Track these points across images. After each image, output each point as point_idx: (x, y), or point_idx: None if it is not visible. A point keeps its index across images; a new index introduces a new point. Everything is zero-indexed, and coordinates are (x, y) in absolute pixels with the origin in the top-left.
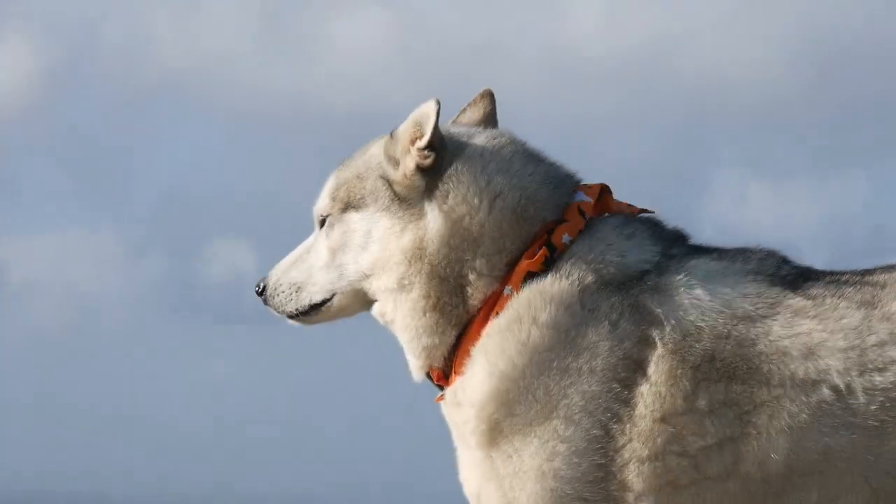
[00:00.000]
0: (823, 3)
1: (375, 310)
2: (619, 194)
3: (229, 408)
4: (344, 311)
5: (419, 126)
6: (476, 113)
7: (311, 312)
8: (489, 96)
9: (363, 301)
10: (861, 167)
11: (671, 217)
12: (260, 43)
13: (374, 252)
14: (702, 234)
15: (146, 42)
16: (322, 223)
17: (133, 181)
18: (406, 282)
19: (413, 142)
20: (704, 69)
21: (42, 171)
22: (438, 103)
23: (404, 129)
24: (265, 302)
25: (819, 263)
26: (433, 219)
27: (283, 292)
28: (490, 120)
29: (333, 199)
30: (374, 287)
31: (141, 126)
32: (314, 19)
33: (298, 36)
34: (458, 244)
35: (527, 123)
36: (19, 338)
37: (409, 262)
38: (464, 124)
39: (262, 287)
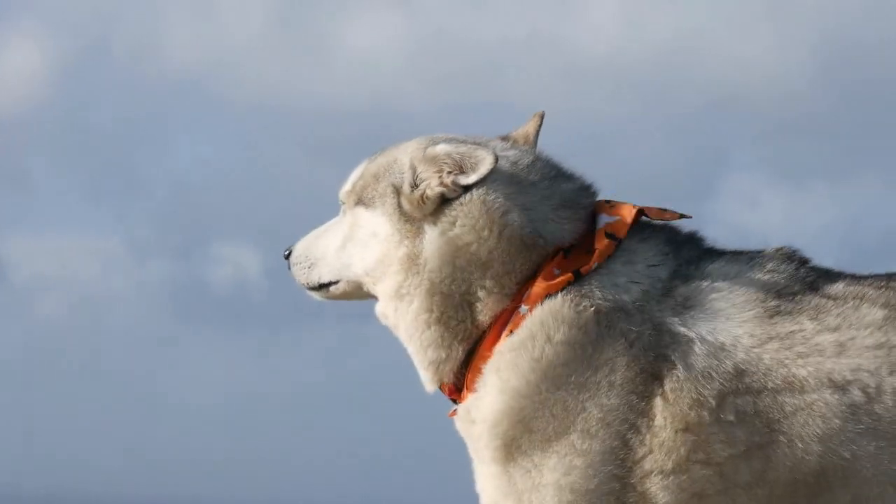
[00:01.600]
0: (843, 4)
1: (378, 310)
2: (631, 198)
3: (230, 410)
4: (348, 296)
5: (464, 162)
6: (522, 131)
7: (321, 289)
8: (539, 117)
9: (365, 293)
10: (875, 170)
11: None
12: (271, 43)
13: (375, 253)
14: (713, 236)
15: (158, 40)
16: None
17: (141, 181)
18: (404, 291)
19: (449, 173)
20: (720, 72)
21: (51, 168)
22: (497, 160)
23: (443, 156)
24: (289, 267)
25: (830, 266)
26: (431, 241)
27: (299, 263)
28: (530, 140)
29: (352, 189)
30: (377, 288)
31: (151, 125)
32: (327, 19)
33: (311, 36)
34: (465, 266)
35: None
36: (24, 336)
37: (406, 273)
38: (503, 139)
39: (288, 252)
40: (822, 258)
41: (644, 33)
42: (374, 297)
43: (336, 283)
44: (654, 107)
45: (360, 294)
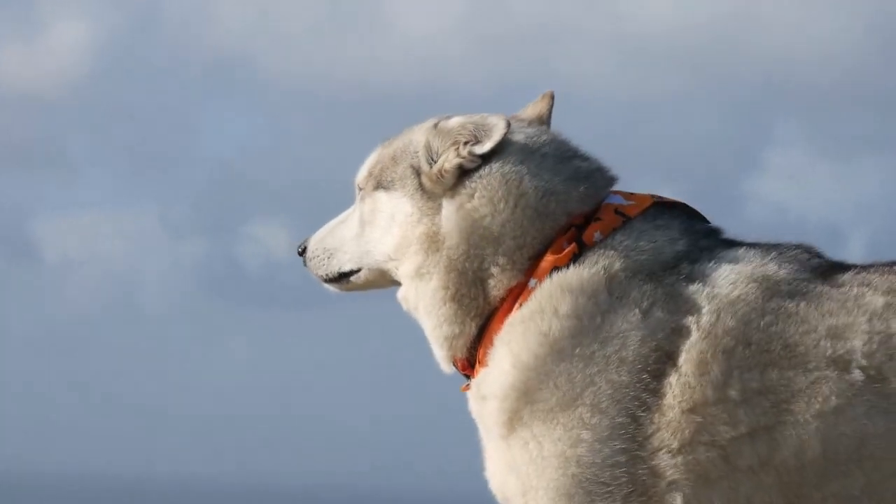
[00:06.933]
0: None
1: (399, 294)
2: (679, 171)
3: (262, 390)
4: (370, 285)
5: (478, 132)
6: (533, 111)
7: (342, 280)
8: (549, 97)
9: (389, 279)
10: None
11: (731, 194)
12: (318, 24)
13: (395, 236)
14: (757, 211)
15: (204, 21)
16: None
17: (180, 161)
18: (424, 271)
19: (465, 144)
20: (772, 49)
21: (89, 148)
22: (509, 125)
23: (457, 128)
24: (304, 263)
25: (869, 244)
26: (448, 216)
27: (317, 256)
28: (544, 121)
29: (370, 174)
30: (399, 271)
31: (193, 106)
32: (375, 2)
33: (361, 16)
34: (478, 241)
35: (593, 101)
36: (55, 317)
37: (426, 252)
38: (516, 119)
39: (302, 248)
40: (865, 233)
41: (696, 8)
42: (396, 285)
43: (357, 271)
44: (704, 81)
45: (381, 282)
